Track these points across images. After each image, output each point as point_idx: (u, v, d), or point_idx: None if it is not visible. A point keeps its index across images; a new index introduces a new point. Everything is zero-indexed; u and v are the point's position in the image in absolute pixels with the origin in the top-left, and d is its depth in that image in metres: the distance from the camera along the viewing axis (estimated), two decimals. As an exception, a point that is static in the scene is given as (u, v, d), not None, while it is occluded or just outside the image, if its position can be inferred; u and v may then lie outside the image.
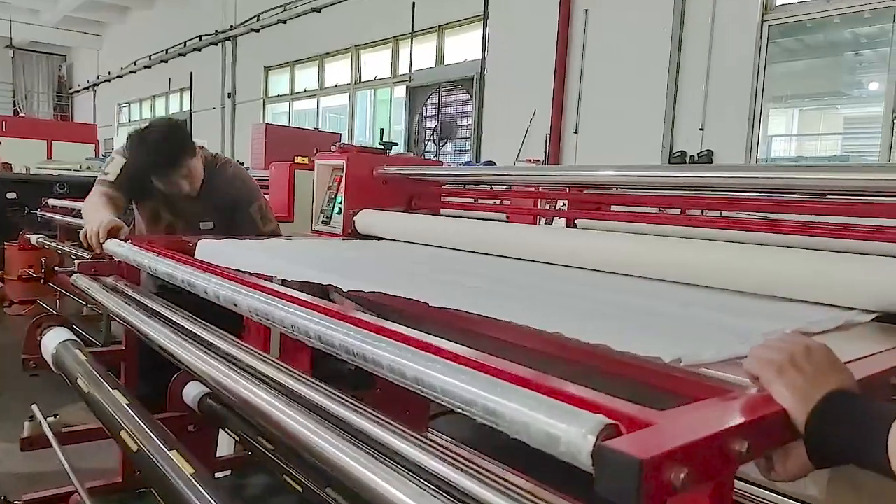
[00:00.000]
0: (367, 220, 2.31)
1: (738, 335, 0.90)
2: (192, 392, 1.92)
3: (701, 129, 5.80)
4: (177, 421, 1.88)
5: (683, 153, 5.91)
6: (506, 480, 0.70)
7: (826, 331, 0.97)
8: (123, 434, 1.08)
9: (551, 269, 1.65)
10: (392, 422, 0.84)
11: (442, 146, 8.10)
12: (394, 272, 1.53)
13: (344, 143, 2.45)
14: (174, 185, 2.19)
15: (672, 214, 2.12)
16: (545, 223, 3.00)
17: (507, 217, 2.68)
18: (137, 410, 1.16)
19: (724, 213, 2.26)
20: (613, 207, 2.67)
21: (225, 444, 2.27)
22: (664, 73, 5.98)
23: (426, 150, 8.28)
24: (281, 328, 0.98)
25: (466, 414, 0.66)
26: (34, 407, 1.80)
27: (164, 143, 2.12)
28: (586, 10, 6.63)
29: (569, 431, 0.55)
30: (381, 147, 2.67)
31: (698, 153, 5.80)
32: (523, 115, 7.00)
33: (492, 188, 2.44)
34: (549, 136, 6.79)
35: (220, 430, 2.17)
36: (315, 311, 0.90)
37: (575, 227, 2.58)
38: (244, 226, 2.34)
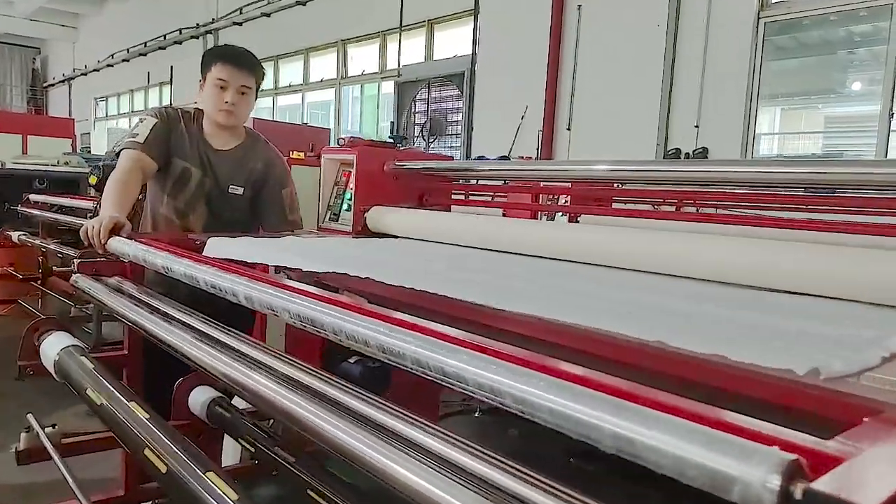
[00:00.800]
0: (379, 217, 2.21)
1: (838, 342, 0.82)
2: (199, 398, 1.81)
3: (696, 127, 5.77)
4: (184, 430, 1.77)
5: (678, 150, 5.87)
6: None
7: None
8: (149, 453, 0.97)
9: (586, 268, 1.57)
10: (432, 424, 0.77)
11: (431, 143, 8.00)
12: (425, 270, 1.43)
13: (353, 137, 2.35)
14: (234, 83, 2.13)
15: (701, 213, 2.05)
16: (547, 218, 2.93)
17: (504, 212, 2.61)
18: (160, 425, 1.06)
19: (724, 209, 2.23)
20: (623, 203, 2.61)
21: (229, 454, 2.16)
22: (659, 69, 5.94)
23: (415, 146, 8.17)
24: (330, 335, 0.88)
25: (591, 443, 0.57)
26: (30, 416, 1.67)
27: (245, 51, 2.22)
28: (579, 6, 6.56)
29: (745, 471, 0.46)
30: (391, 141, 2.56)
31: (693, 150, 5.77)
32: (515, 112, 6.92)
33: (506, 183, 2.36)
34: (541, 133, 6.72)
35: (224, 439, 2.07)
36: (380, 320, 0.80)
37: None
38: (271, 206, 2.28)
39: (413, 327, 0.75)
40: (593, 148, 6.33)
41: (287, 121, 10.73)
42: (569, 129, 6.62)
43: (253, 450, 1.73)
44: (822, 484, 0.42)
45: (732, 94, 5.55)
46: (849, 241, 1.51)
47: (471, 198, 2.44)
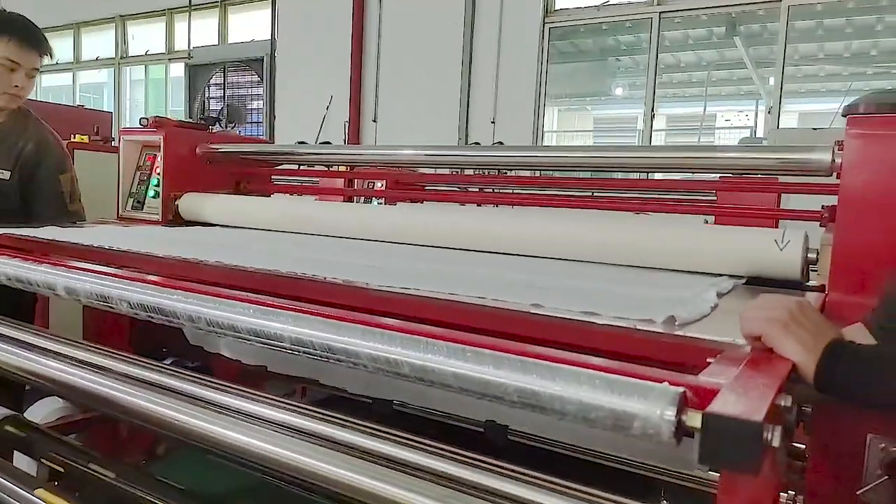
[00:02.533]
0: (193, 204, 2.05)
1: (675, 300, 0.93)
2: (-19, 418, 1.54)
3: (493, 122, 6.14)
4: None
5: (477, 144, 6.20)
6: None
7: (727, 292, 1.06)
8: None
9: (416, 249, 1.60)
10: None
11: (230, 130, 7.57)
12: (278, 253, 1.36)
13: (158, 116, 2.14)
14: (27, 65, 1.88)
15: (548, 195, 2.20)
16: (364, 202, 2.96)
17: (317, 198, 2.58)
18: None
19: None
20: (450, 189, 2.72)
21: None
22: (458, 66, 6.21)
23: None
24: (186, 323, 0.80)
25: (492, 400, 0.59)
26: None
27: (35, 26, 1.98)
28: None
29: (644, 407, 0.52)
30: (203, 122, 2.38)
31: (491, 144, 6.14)
32: (320, 101, 6.81)
33: (329, 168, 2.31)
34: (347, 124, 6.69)
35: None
36: (250, 304, 0.74)
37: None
38: (46, 193, 1.99)
39: (290, 309, 0.72)
40: (398, 140, 6.44)
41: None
42: (375, 121, 6.67)
43: (53, 467, 1.53)
44: (721, 407, 0.48)
45: (523, 93, 5.99)
46: (625, 216, 1.74)
47: (292, 183, 2.36)
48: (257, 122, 7.47)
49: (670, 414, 0.51)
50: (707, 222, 2.12)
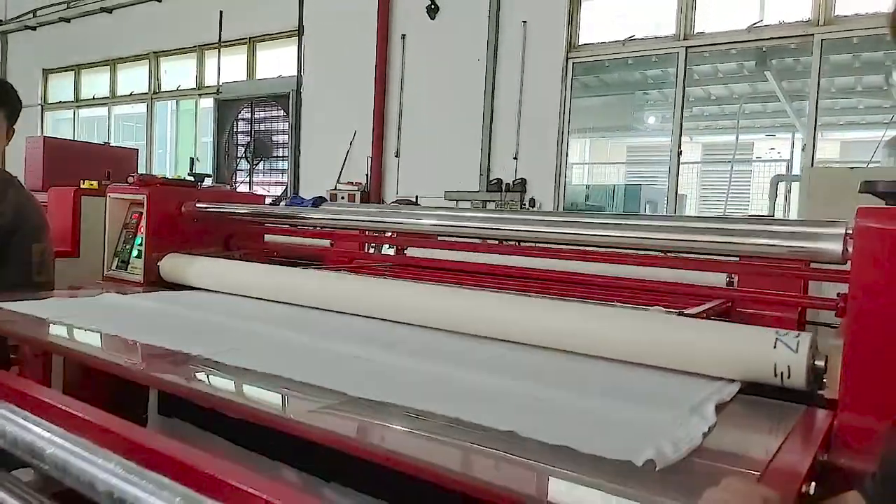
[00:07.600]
0: (175, 266, 1.97)
1: (659, 426, 0.79)
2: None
3: (515, 158, 6.03)
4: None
5: (500, 181, 6.09)
6: None
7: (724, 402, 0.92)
8: None
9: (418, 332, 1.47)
10: None
11: (256, 164, 7.63)
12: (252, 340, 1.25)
13: (143, 174, 2.08)
14: None
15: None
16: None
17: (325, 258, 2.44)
18: None
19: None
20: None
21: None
22: (480, 102, 6.14)
23: (238, 167, 7.75)
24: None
25: None
26: None
27: None
28: (404, 36, 6.63)
29: None
30: (191, 179, 2.32)
31: (513, 181, 6.02)
32: (344, 136, 6.82)
33: (322, 229, 2.21)
34: (370, 160, 6.67)
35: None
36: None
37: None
38: (14, 262, 1.89)
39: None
40: (421, 176, 6.40)
41: (93, 135, 9.76)
42: (397, 157, 6.63)
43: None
44: None
45: (546, 128, 5.87)
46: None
47: (288, 244, 2.27)
48: (283, 157, 7.51)
49: None
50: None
